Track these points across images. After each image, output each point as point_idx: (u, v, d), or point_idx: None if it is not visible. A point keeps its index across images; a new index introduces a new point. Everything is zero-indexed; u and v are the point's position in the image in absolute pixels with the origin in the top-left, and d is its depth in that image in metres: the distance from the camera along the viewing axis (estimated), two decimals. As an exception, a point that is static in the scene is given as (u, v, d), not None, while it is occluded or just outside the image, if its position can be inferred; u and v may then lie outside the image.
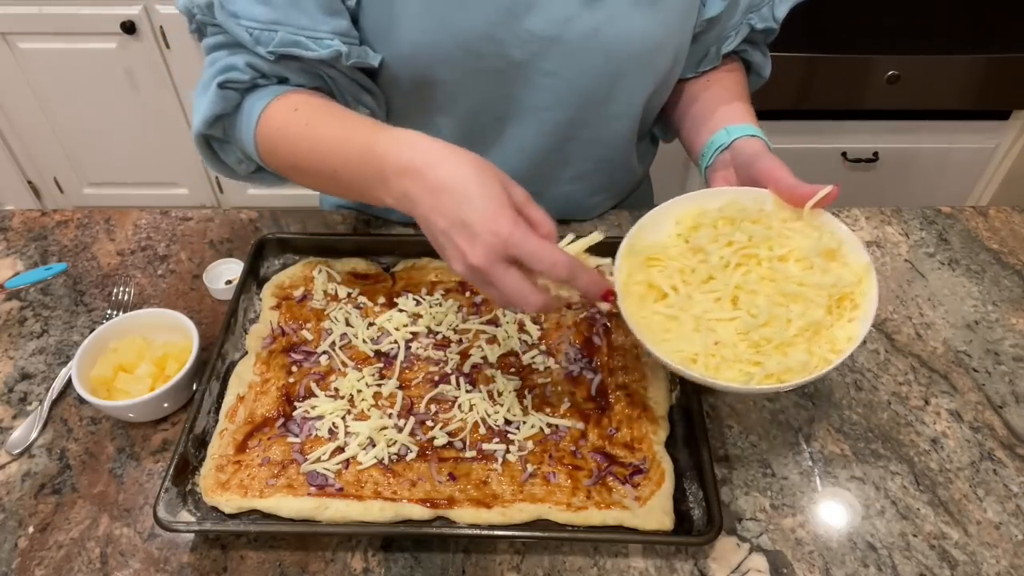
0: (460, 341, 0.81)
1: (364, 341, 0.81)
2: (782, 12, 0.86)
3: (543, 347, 0.80)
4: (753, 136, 0.79)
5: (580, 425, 0.73)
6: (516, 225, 0.58)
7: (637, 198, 1.11)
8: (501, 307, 0.63)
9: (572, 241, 0.66)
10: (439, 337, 0.82)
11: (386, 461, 0.70)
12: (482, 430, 0.73)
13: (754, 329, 0.65)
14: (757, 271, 0.69)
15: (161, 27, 1.90)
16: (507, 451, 0.71)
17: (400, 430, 0.72)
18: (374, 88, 0.83)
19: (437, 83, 0.81)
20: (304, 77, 0.78)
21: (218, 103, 0.76)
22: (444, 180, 0.60)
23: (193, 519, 0.67)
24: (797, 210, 0.70)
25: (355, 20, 0.79)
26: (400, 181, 0.63)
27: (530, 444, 0.72)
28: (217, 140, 0.81)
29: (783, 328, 0.65)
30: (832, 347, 0.65)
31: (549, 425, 0.73)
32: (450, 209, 0.60)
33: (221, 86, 0.75)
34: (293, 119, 0.74)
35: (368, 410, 0.74)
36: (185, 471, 0.69)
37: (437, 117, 0.85)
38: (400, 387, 0.77)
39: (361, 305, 0.85)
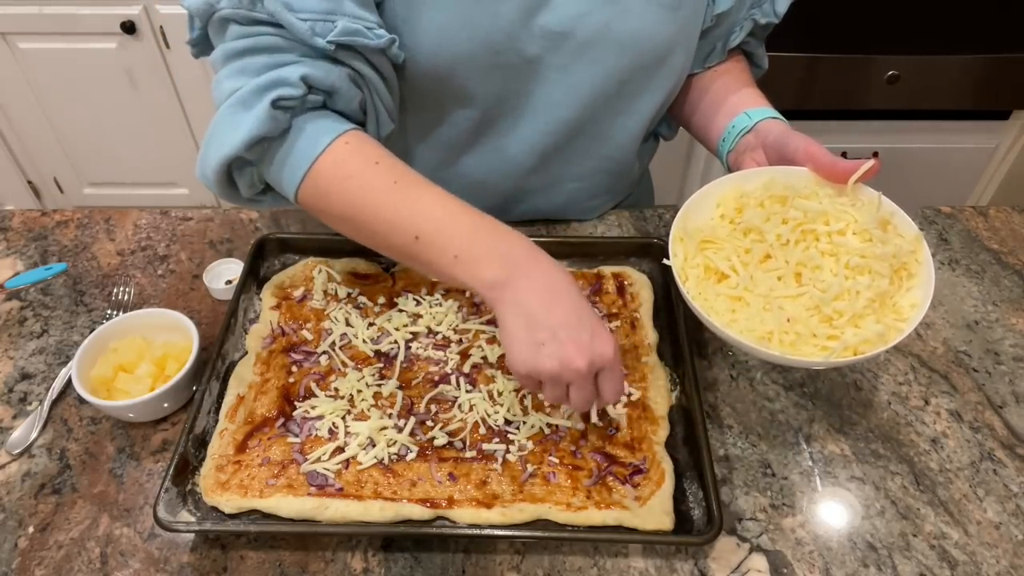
0: (460, 341, 0.81)
1: (364, 341, 0.81)
2: (783, 7, 0.87)
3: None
4: (775, 118, 0.80)
5: (580, 425, 0.73)
6: (618, 348, 0.65)
7: (637, 197, 1.11)
8: (550, 402, 0.70)
9: None
10: (439, 337, 0.82)
11: (386, 461, 0.70)
12: (482, 430, 0.73)
13: (825, 303, 0.66)
14: (816, 246, 0.69)
15: (161, 27, 1.90)
16: (507, 451, 0.71)
17: (400, 430, 0.72)
18: (397, 92, 0.80)
19: (454, 78, 0.80)
20: (352, 90, 0.73)
21: (268, 123, 0.68)
22: (561, 284, 0.65)
23: (193, 519, 0.67)
24: (838, 186, 0.71)
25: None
26: (514, 267, 0.65)
27: (530, 444, 0.72)
28: (239, 162, 0.72)
29: (853, 300, 0.65)
30: (898, 316, 0.66)
31: (549, 425, 0.73)
32: (567, 312, 0.63)
33: (275, 104, 0.67)
34: (375, 173, 0.69)
35: (368, 410, 0.74)
36: (185, 471, 0.69)
37: (452, 111, 0.85)
38: (400, 387, 0.77)
39: (361, 305, 0.85)
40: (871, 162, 0.69)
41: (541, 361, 0.63)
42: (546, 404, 0.74)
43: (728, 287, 0.69)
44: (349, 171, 0.70)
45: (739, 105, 0.85)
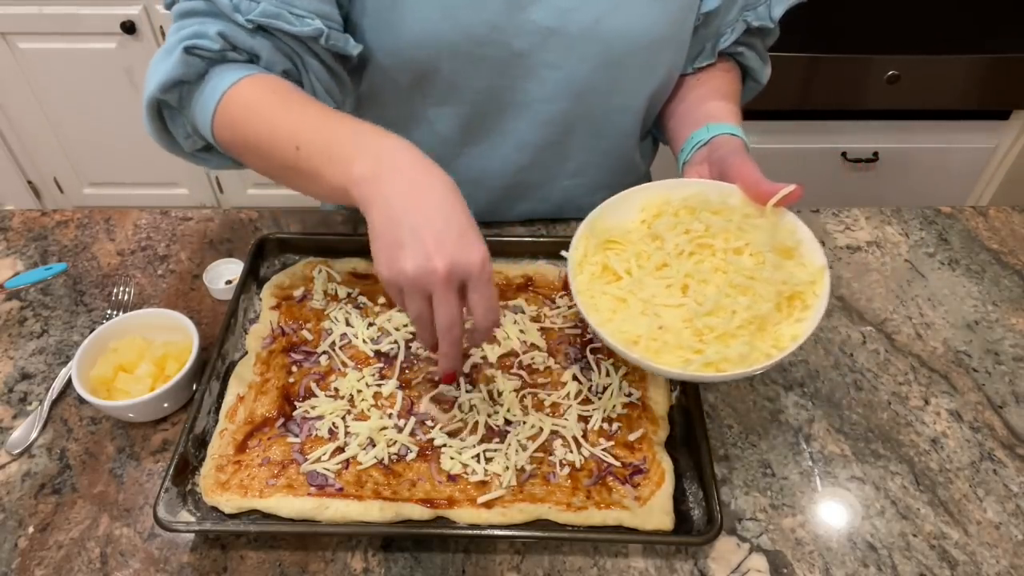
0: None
1: (364, 341, 0.81)
2: (778, 12, 0.86)
3: (543, 347, 0.80)
4: (733, 134, 0.79)
5: (580, 425, 0.73)
6: (488, 261, 0.60)
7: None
8: (413, 325, 0.63)
9: None
10: (439, 337, 0.81)
11: (386, 461, 0.70)
12: (482, 430, 0.73)
13: (698, 317, 0.65)
14: (711, 261, 0.69)
15: (161, 27, 1.90)
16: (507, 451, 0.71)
17: (400, 430, 0.72)
18: (345, 78, 0.82)
19: (439, 74, 0.80)
20: (277, 57, 0.75)
21: (180, 67, 0.71)
22: (435, 183, 0.60)
23: (193, 519, 0.67)
24: (761, 208, 0.70)
25: (347, 11, 0.78)
26: (387, 163, 0.61)
27: (530, 444, 0.72)
28: (169, 108, 0.76)
29: (727, 319, 0.65)
30: (776, 344, 0.65)
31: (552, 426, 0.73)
32: (434, 211, 0.59)
33: (188, 51, 0.71)
34: (269, 98, 0.71)
35: (368, 410, 0.74)
36: (185, 471, 0.69)
37: (439, 108, 0.85)
38: (400, 387, 0.77)
39: (361, 305, 0.85)
40: (791, 187, 0.68)
41: (400, 263, 0.58)
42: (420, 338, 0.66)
43: (617, 288, 0.69)
44: (248, 101, 0.71)
45: (706, 117, 0.83)
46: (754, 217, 0.70)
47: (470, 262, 0.58)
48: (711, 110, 0.85)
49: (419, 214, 0.59)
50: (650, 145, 1.06)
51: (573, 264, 0.70)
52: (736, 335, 0.64)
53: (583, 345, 0.81)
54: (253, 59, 0.75)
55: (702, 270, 0.68)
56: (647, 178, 1.14)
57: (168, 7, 0.79)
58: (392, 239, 0.59)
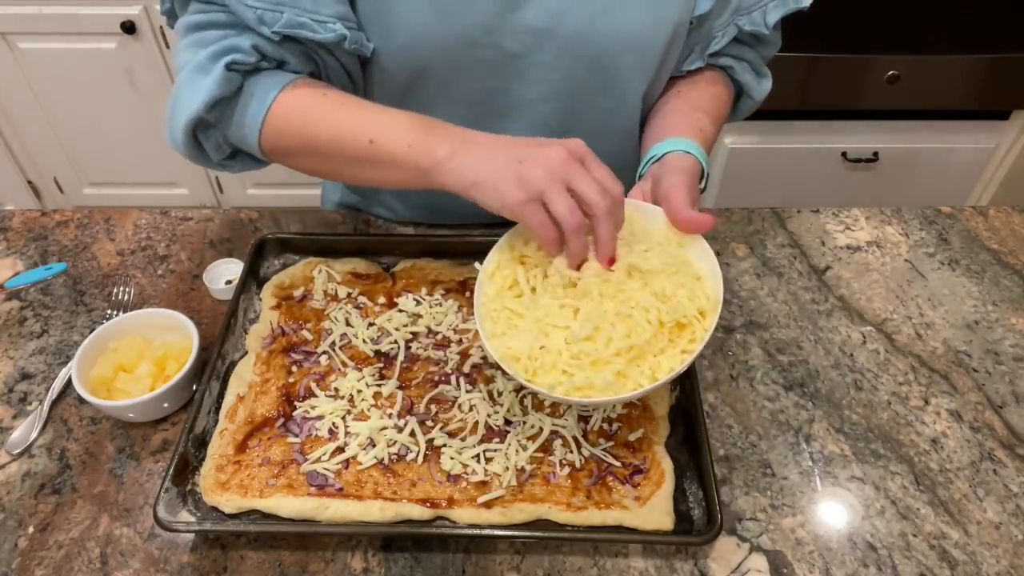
0: (460, 341, 0.81)
1: (364, 341, 0.81)
2: (773, 18, 0.84)
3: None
4: (687, 152, 0.77)
5: (580, 425, 0.73)
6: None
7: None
8: (567, 216, 0.63)
9: None
10: (439, 337, 0.82)
11: (386, 461, 0.70)
12: (482, 430, 0.73)
13: (576, 342, 0.65)
14: (604, 287, 0.67)
15: (161, 27, 1.90)
16: (507, 451, 0.71)
17: (400, 430, 0.72)
18: (359, 77, 0.84)
19: (432, 75, 0.81)
20: (303, 61, 0.78)
21: (223, 84, 0.73)
22: (504, 136, 0.68)
23: (193, 519, 0.67)
24: (679, 234, 0.69)
25: (351, 6, 0.79)
26: (463, 138, 0.69)
27: (530, 444, 0.72)
28: (203, 125, 0.77)
29: (603, 346, 0.64)
30: (652, 374, 0.64)
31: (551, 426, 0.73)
32: (521, 142, 0.66)
33: (229, 67, 0.72)
34: (322, 102, 0.75)
35: (368, 410, 0.74)
36: (185, 471, 0.69)
37: (432, 110, 0.85)
38: (400, 387, 0.77)
39: (361, 305, 0.85)
40: (705, 217, 0.67)
41: (525, 171, 0.63)
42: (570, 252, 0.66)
43: (518, 303, 0.69)
44: (300, 107, 0.75)
45: (669, 131, 0.82)
46: (667, 245, 0.69)
47: (574, 146, 0.65)
48: (678, 123, 0.83)
49: (514, 146, 0.66)
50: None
51: (484, 276, 0.71)
52: (610, 362, 0.64)
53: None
54: (281, 65, 0.77)
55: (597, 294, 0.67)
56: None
57: (165, 14, 0.80)
58: (507, 171, 0.64)
